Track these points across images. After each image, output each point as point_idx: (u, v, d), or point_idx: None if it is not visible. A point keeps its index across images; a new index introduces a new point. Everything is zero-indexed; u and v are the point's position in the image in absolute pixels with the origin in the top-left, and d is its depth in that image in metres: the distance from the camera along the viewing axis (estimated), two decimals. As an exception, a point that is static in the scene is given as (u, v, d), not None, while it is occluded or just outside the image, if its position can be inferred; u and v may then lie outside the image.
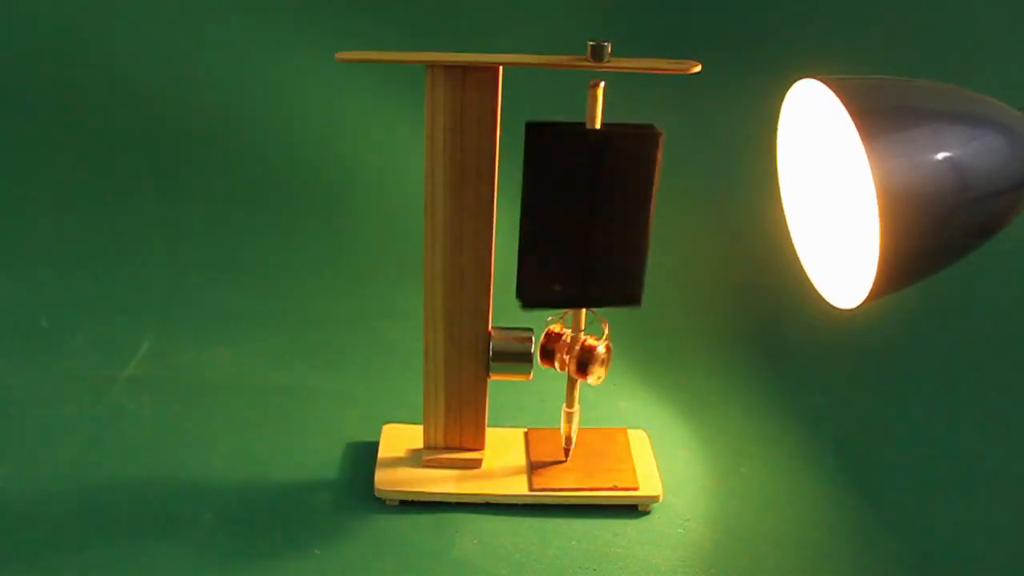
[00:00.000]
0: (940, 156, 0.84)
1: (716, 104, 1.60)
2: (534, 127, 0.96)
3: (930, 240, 0.87)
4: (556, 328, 1.08)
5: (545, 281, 1.01)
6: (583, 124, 0.97)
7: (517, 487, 1.10)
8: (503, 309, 1.10)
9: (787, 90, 0.99)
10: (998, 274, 1.59)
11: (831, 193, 0.99)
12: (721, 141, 1.62)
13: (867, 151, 0.82)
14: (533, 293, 1.02)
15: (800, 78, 0.96)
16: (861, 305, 0.93)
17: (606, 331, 1.07)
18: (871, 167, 0.82)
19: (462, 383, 1.10)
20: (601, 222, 0.99)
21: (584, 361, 1.06)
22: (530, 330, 1.08)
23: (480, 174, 1.01)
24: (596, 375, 1.07)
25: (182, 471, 1.14)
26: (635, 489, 1.10)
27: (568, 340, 1.07)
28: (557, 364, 1.08)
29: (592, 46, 0.93)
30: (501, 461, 1.14)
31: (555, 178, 0.97)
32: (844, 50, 1.58)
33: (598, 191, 0.97)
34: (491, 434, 1.15)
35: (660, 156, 0.96)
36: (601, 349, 1.06)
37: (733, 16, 1.59)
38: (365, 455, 1.16)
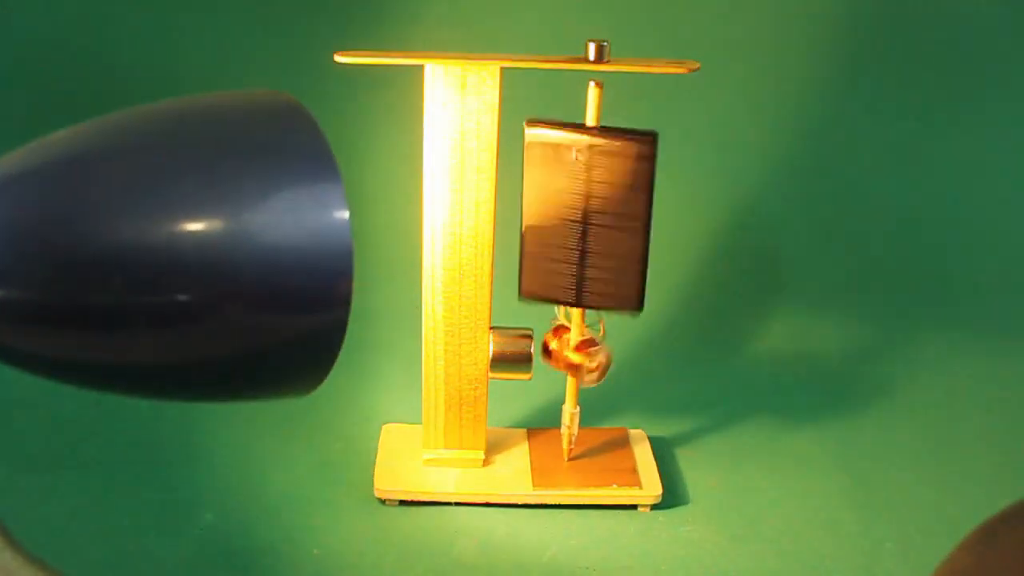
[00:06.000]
0: None
1: (718, 103, 1.60)
2: (533, 121, 0.97)
3: None
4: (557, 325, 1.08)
5: (544, 275, 1.01)
6: (581, 124, 0.98)
7: (518, 487, 1.10)
8: (503, 309, 1.10)
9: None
10: (998, 275, 1.59)
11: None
12: (722, 141, 1.62)
13: None
14: (531, 285, 1.03)
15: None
16: None
17: (602, 331, 1.07)
18: None
19: (462, 383, 1.10)
20: (594, 225, 0.98)
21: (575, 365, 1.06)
22: (530, 330, 1.08)
23: (480, 173, 1.01)
24: (589, 377, 1.07)
25: (182, 471, 1.14)
26: (635, 488, 1.10)
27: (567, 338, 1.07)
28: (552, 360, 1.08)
29: (592, 46, 0.94)
30: (502, 461, 1.14)
31: (551, 175, 0.98)
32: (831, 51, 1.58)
33: (590, 193, 0.97)
34: (491, 434, 1.15)
35: (653, 163, 0.96)
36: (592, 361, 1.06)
37: (734, 16, 1.59)
38: (365, 455, 1.16)
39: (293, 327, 0.48)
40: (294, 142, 0.49)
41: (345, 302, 0.47)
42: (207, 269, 0.46)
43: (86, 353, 0.48)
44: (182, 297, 0.46)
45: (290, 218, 0.47)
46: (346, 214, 0.47)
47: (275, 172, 0.48)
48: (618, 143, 0.96)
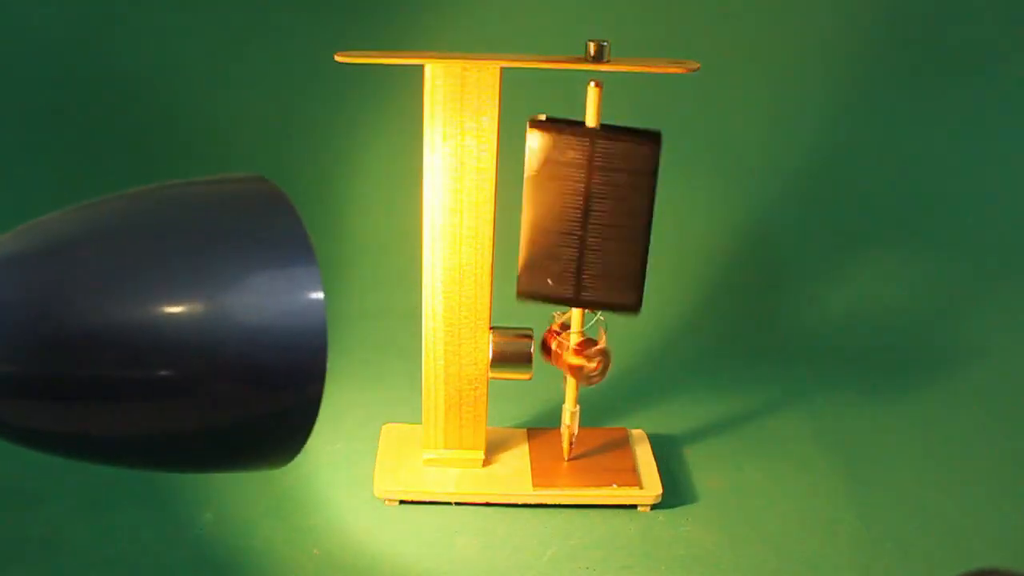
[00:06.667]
0: None
1: (718, 104, 1.60)
2: (535, 123, 0.98)
3: None
4: (557, 325, 1.08)
5: (541, 274, 1.02)
6: (582, 123, 0.98)
7: (518, 487, 1.10)
8: (503, 309, 1.10)
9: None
10: (998, 278, 1.59)
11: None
12: (723, 141, 1.61)
13: None
14: (528, 285, 1.03)
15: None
16: None
17: (603, 336, 1.07)
18: None
19: (462, 383, 1.10)
20: (594, 223, 0.99)
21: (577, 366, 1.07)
22: (530, 330, 1.08)
23: (480, 173, 1.01)
24: (588, 377, 1.07)
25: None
26: (635, 488, 1.10)
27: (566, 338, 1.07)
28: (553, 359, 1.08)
29: (592, 46, 0.94)
30: (502, 461, 1.14)
31: (552, 173, 0.98)
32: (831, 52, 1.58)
33: (591, 191, 0.98)
34: (491, 434, 1.15)
35: (657, 163, 0.96)
36: (591, 363, 1.06)
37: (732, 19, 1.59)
38: (365, 455, 1.16)
39: (270, 402, 0.50)
40: (273, 227, 0.51)
41: (320, 378, 0.49)
42: (189, 347, 0.47)
43: (68, 426, 0.50)
44: (164, 373, 0.48)
45: (268, 300, 0.49)
46: (321, 295, 0.49)
47: (254, 256, 0.50)
48: (621, 143, 0.96)
